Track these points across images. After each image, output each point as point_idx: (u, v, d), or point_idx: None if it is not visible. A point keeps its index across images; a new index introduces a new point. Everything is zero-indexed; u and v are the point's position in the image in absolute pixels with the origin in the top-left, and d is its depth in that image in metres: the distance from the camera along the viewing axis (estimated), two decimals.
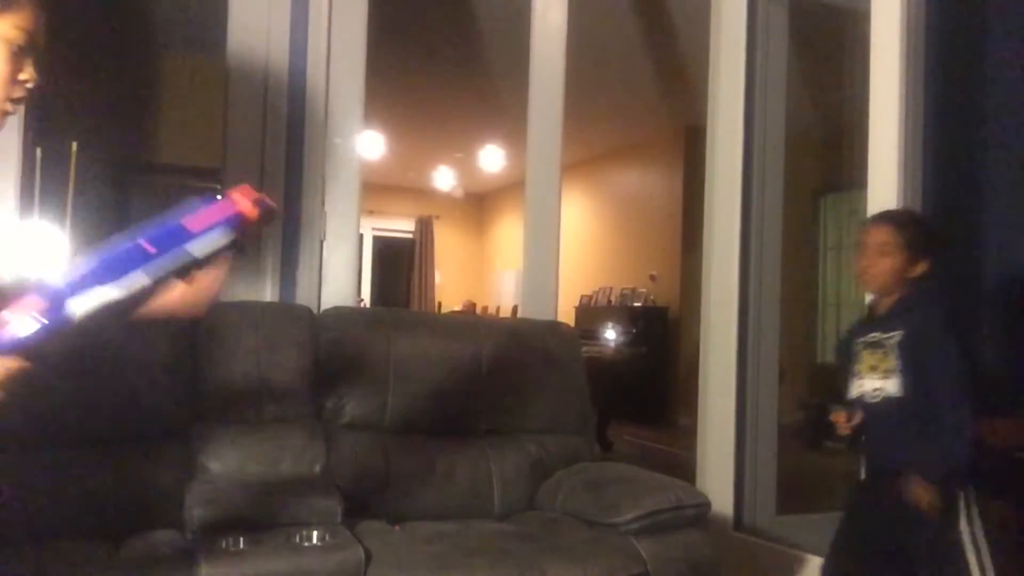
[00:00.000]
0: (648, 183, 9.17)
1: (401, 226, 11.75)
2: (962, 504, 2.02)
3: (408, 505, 2.50)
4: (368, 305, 9.47)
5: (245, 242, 1.11)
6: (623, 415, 7.11)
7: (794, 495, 3.47)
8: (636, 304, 8.82)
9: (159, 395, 2.37)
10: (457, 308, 10.56)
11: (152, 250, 1.01)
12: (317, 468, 2.41)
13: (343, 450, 2.50)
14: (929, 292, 2.17)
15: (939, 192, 2.96)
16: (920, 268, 2.13)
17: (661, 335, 8.43)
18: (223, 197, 1.07)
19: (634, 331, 8.47)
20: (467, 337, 2.81)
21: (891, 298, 2.16)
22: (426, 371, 2.67)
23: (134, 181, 5.68)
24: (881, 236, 2.15)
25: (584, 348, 3.83)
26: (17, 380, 0.96)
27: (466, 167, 9.97)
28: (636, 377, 7.89)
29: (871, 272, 2.16)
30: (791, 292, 3.56)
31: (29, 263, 2.74)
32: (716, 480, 3.26)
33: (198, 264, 1.04)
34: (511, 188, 10.57)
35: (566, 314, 7.66)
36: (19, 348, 0.94)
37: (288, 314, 2.70)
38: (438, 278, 11.77)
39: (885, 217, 2.26)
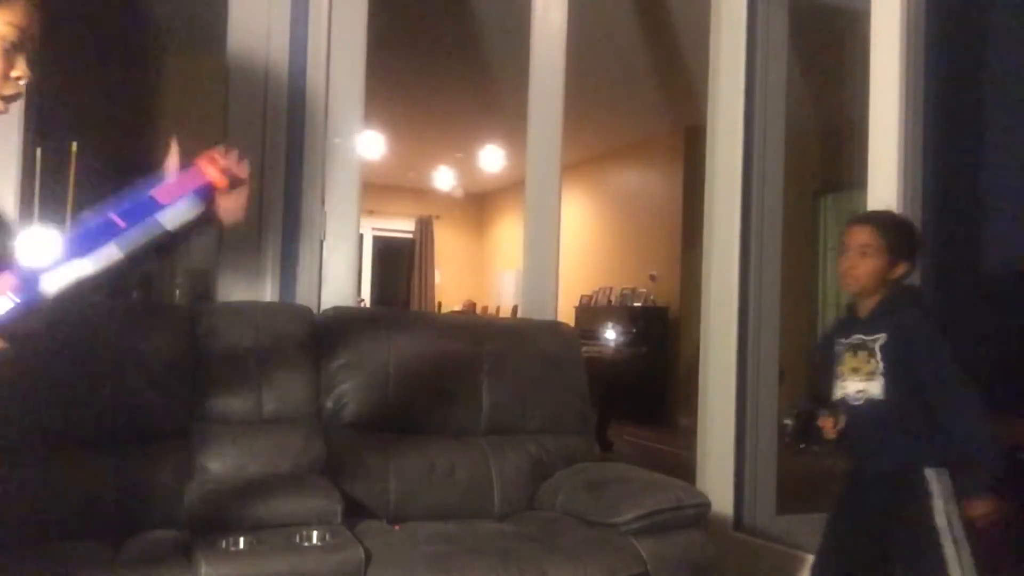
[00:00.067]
0: (648, 183, 9.17)
1: (401, 226, 11.75)
2: (938, 496, 2.03)
3: (408, 505, 2.51)
4: (368, 305, 9.47)
5: (216, 212, 1.12)
6: (623, 415, 7.11)
7: (794, 495, 3.47)
8: (636, 304, 8.82)
9: (159, 395, 2.37)
10: (457, 308, 10.56)
11: (122, 223, 1.01)
12: (317, 468, 2.41)
13: (343, 450, 2.50)
14: (911, 294, 2.19)
15: (939, 192, 2.97)
16: (901, 269, 2.15)
17: (661, 335, 8.43)
18: (191, 166, 1.08)
19: (634, 331, 8.46)
20: (467, 337, 2.81)
21: (872, 299, 2.16)
22: (426, 371, 2.67)
23: (134, 181, 5.67)
24: (862, 237, 2.15)
25: (584, 348, 3.83)
26: None
27: (466, 167, 9.97)
28: (636, 377, 7.88)
29: (852, 274, 2.16)
30: (791, 292, 3.56)
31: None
32: (716, 480, 3.26)
33: (170, 235, 1.05)
34: (511, 188, 10.57)
35: (566, 314, 7.66)
36: None
37: (288, 314, 2.70)
38: (438, 278, 11.77)
39: (866, 218, 2.26)
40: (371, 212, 10.28)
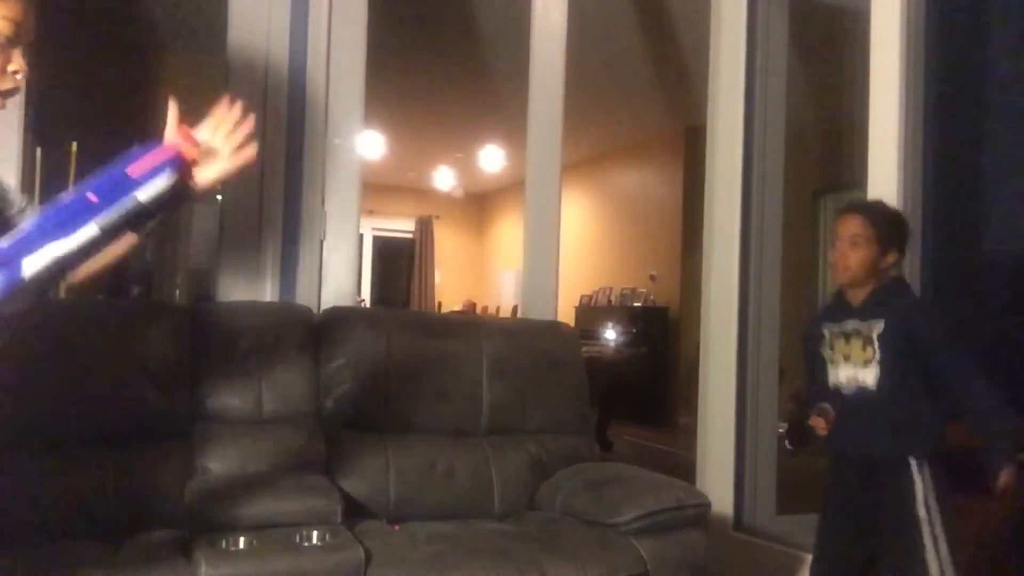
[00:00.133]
0: (648, 183, 9.17)
1: (401, 226, 11.75)
2: (920, 486, 2.04)
3: (408, 505, 2.51)
4: (368, 305, 9.47)
5: (191, 185, 1.13)
6: (623, 415, 7.11)
7: (794, 495, 3.47)
8: (636, 304, 8.82)
9: (159, 395, 2.37)
10: (457, 308, 10.56)
11: (97, 200, 1.01)
12: (317, 468, 2.41)
13: (343, 450, 2.50)
14: (902, 283, 2.21)
15: (939, 191, 2.96)
16: (891, 258, 2.17)
17: (661, 335, 8.43)
18: (163, 142, 1.09)
19: (634, 331, 8.46)
20: (467, 337, 2.81)
21: (864, 289, 2.18)
22: (426, 371, 2.67)
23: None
24: (853, 228, 2.17)
25: (584, 348, 3.83)
26: None
27: (466, 167, 9.97)
28: (636, 377, 7.88)
29: (844, 264, 2.17)
30: (791, 292, 3.56)
31: None
32: (716, 480, 3.26)
33: (146, 209, 1.05)
34: (511, 188, 10.57)
35: (566, 314, 7.66)
36: None
37: (288, 314, 2.70)
38: (438, 278, 11.78)
39: (856, 208, 2.26)
40: (371, 212, 10.29)
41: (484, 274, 12.11)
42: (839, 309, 2.22)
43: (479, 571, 2.06)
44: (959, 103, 3.20)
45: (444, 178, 10.60)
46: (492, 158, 9.22)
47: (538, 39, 3.37)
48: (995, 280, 3.17)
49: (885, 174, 2.64)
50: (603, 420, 6.26)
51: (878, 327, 2.10)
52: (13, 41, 1.12)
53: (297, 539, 2.01)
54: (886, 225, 2.18)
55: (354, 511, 2.33)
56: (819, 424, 2.19)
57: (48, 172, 3.26)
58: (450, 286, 11.75)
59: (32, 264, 0.96)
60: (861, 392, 2.12)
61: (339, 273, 3.03)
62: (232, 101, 1.21)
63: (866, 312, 2.14)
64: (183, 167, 1.09)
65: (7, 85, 1.14)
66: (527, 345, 2.89)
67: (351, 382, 2.59)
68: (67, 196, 1.01)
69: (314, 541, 2.02)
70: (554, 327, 3.13)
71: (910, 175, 2.67)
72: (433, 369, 2.69)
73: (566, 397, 2.89)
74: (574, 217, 9.33)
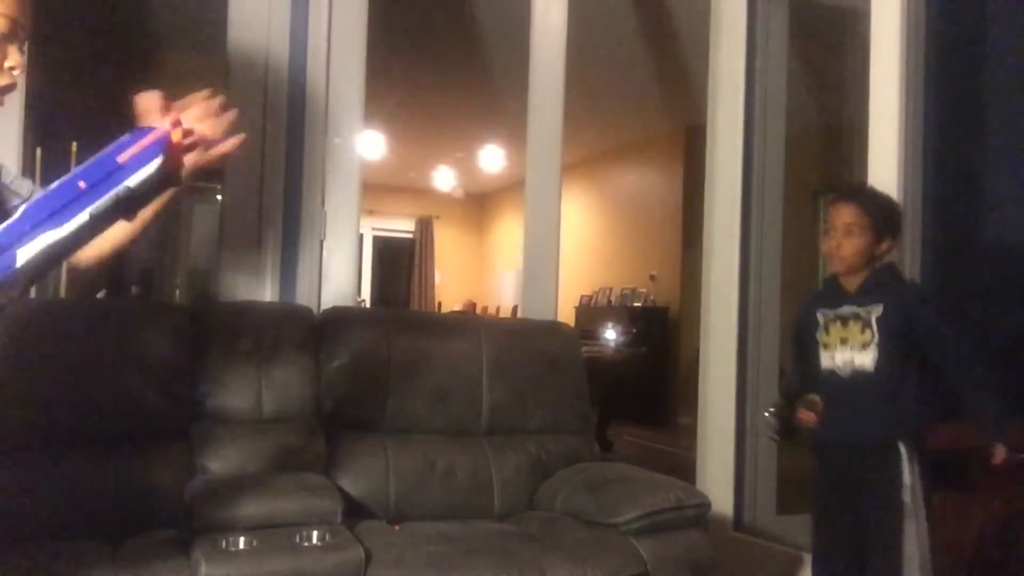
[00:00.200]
0: (648, 183, 9.17)
1: (401, 226, 11.76)
2: (908, 472, 2.06)
3: (408, 505, 2.51)
4: (368, 305, 9.47)
5: (180, 170, 1.14)
6: (623, 415, 7.11)
7: (794, 495, 3.46)
8: (636, 304, 8.81)
9: (159, 395, 2.37)
10: (457, 308, 10.56)
11: (87, 187, 1.01)
12: (317, 468, 2.41)
13: (343, 450, 2.50)
14: (895, 269, 2.24)
15: (938, 192, 2.96)
16: (885, 245, 2.18)
17: (661, 335, 8.43)
18: (150, 127, 1.09)
19: (634, 331, 8.46)
20: (467, 337, 2.81)
21: (858, 276, 2.18)
22: (426, 371, 2.67)
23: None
24: (847, 216, 2.18)
25: (584, 348, 3.83)
26: None
27: (466, 167, 9.97)
28: (636, 377, 7.88)
29: (839, 253, 2.18)
30: (791, 292, 3.56)
31: None
32: (716, 480, 3.26)
33: (135, 194, 1.05)
34: (511, 188, 10.57)
35: (566, 314, 7.66)
36: None
37: (288, 314, 2.70)
38: (438, 278, 11.78)
39: (849, 196, 2.27)
40: (371, 212, 10.28)
41: (484, 274, 12.11)
42: (833, 295, 2.23)
43: (479, 571, 2.06)
44: (959, 103, 3.20)
45: (444, 178, 10.60)
46: (492, 158, 9.22)
47: (538, 39, 3.37)
48: (995, 280, 3.17)
49: (885, 174, 2.63)
50: (603, 420, 6.26)
51: (877, 311, 2.12)
52: (9, 37, 1.11)
53: (297, 539, 2.01)
54: (880, 213, 2.20)
55: (354, 511, 2.33)
56: (808, 417, 2.19)
57: (48, 172, 3.25)
58: (450, 286, 11.75)
59: (26, 254, 0.97)
60: (858, 374, 2.13)
61: (339, 273, 3.03)
62: (232, 101, 1.21)
63: (864, 297, 2.16)
64: (171, 152, 1.09)
65: (4, 81, 1.13)
66: (527, 345, 2.89)
67: (351, 382, 2.59)
68: (57, 184, 1.01)
69: (314, 541, 2.02)
70: (554, 327, 3.12)
71: (910, 175, 2.67)
72: (433, 369, 2.69)
73: (566, 397, 2.89)
74: (574, 217, 9.33)
